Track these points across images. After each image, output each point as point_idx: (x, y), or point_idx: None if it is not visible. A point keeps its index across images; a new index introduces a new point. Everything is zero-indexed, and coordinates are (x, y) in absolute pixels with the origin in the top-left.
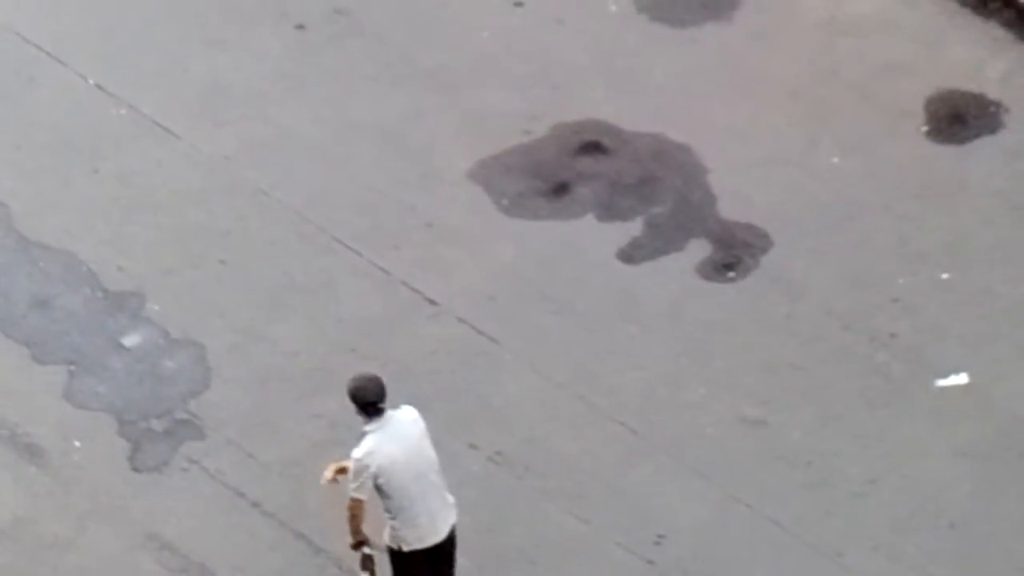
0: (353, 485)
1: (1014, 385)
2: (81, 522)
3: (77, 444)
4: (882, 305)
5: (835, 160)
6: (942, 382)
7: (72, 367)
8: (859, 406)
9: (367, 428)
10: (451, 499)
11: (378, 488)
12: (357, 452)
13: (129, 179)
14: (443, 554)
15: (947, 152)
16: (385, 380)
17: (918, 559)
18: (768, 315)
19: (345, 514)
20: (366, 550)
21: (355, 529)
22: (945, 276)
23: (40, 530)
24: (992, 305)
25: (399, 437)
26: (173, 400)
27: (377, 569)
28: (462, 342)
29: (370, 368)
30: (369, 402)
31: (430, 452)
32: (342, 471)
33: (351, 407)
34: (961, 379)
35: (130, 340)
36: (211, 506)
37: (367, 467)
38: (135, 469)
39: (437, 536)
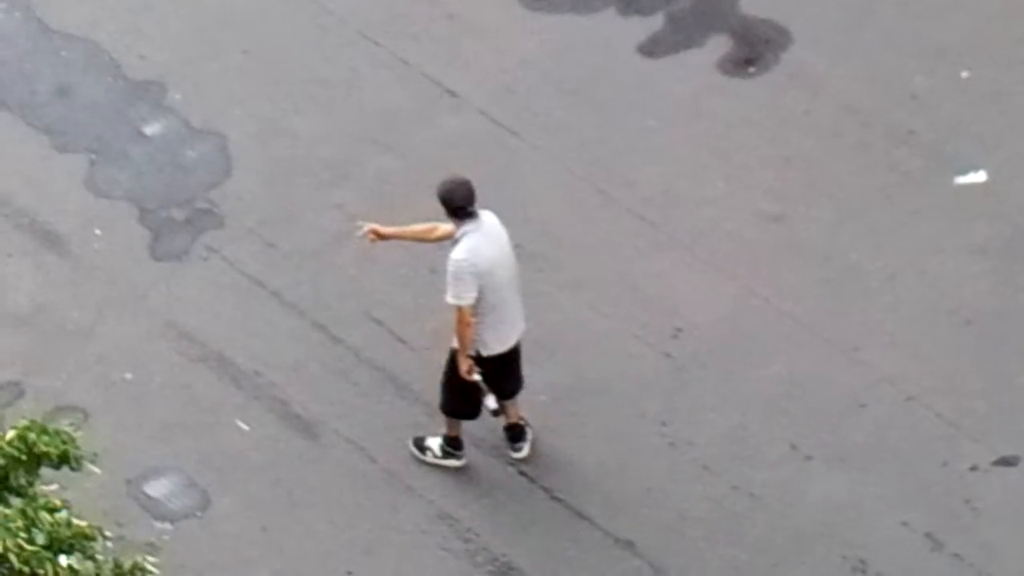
0: (454, 292)
1: None
2: (100, 310)
3: (97, 232)
4: (901, 102)
5: None
6: (960, 179)
7: (93, 156)
8: (877, 202)
9: (464, 229)
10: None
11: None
12: (457, 253)
13: None
14: (514, 353)
15: None
16: (404, 170)
17: (934, 355)
18: (787, 111)
19: (452, 327)
20: (476, 376)
21: (468, 340)
22: (965, 74)
23: (60, 317)
24: (1011, 103)
25: (493, 238)
26: (194, 189)
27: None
28: (482, 134)
29: (390, 159)
30: (459, 206)
31: (513, 255)
32: (381, 236)
33: (371, 198)
34: (979, 176)
35: (151, 129)
36: (230, 295)
37: (474, 265)
38: (155, 258)
39: (514, 340)
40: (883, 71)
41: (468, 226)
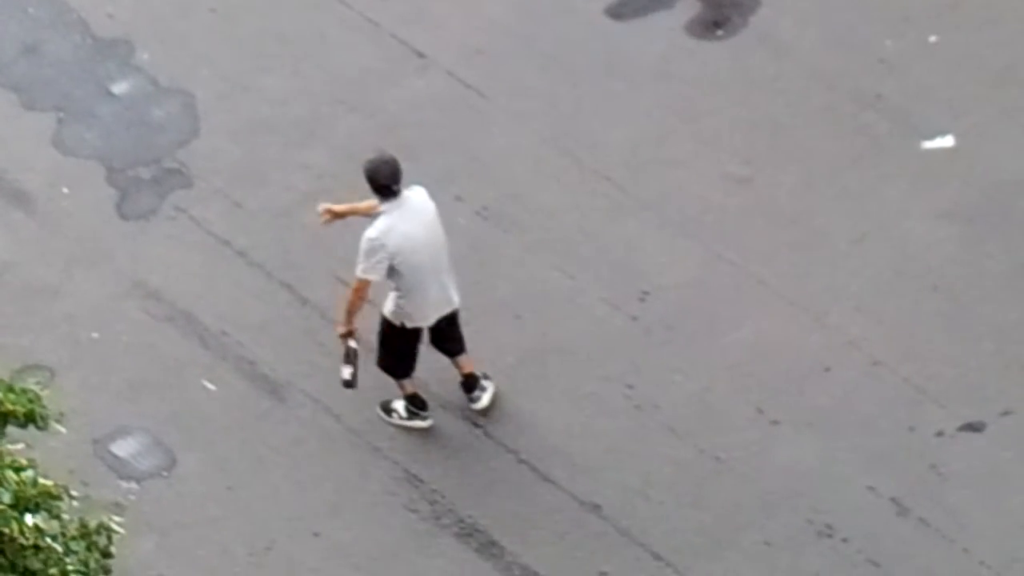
0: (363, 266)
1: (999, 148)
2: (68, 268)
3: (65, 191)
4: (869, 66)
5: None
6: (927, 144)
7: (61, 114)
8: (844, 166)
9: (381, 208)
10: (455, 279)
11: (391, 268)
12: (371, 232)
13: None
14: (450, 321)
15: None
16: (372, 131)
17: (901, 319)
18: (755, 74)
19: (346, 297)
20: (352, 343)
21: (351, 314)
22: (933, 39)
23: (27, 275)
24: (979, 68)
25: (414, 216)
26: (161, 148)
27: (360, 363)
28: (450, 95)
29: (358, 119)
30: (383, 184)
31: (441, 232)
32: (337, 214)
33: (339, 158)
34: (947, 141)
35: (119, 88)
36: (198, 255)
37: (383, 246)
38: (122, 217)
39: (441, 313)
40: (851, 35)
41: (387, 205)
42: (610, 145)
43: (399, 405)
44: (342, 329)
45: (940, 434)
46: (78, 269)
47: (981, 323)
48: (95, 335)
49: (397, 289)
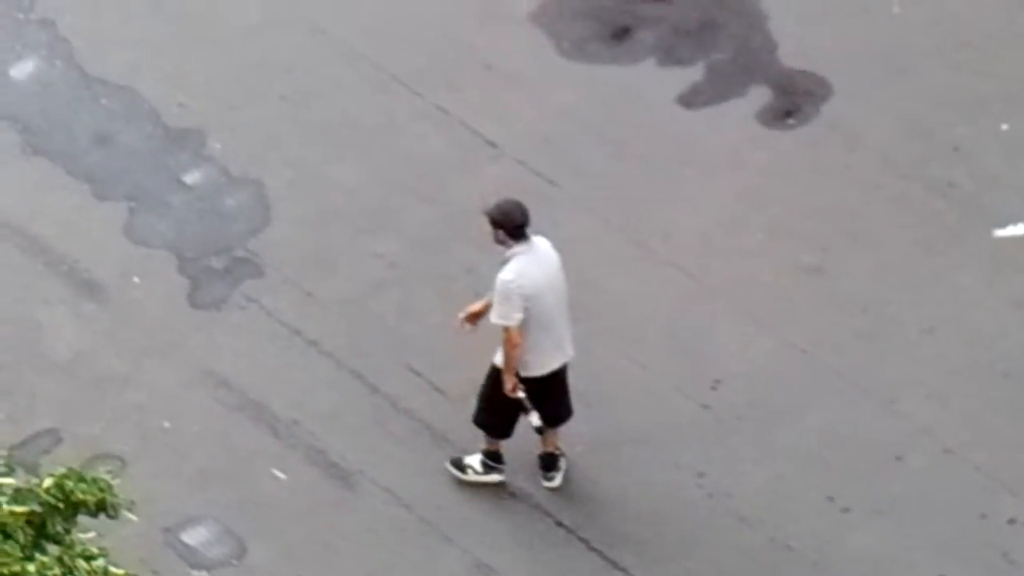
0: (501, 311)
1: None
2: (138, 358)
3: (136, 280)
4: (940, 154)
5: (896, 10)
6: (999, 232)
7: (133, 204)
8: (916, 254)
9: (514, 251)
10: (571, 333)
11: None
12: (506, 274)
13: (189, 15)
14: (560, 378)
15: (1010, 2)
16: (442, 219)
17: (972, 407)
18: (826, 163)
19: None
20: (520, 393)
21: (512, 364)
22: (1005, 127)
23: (98, 366)
24: None
25: (543, 261)
26: (232, 238)
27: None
28: (520, 184)
29: (428, 208)
30: (517, 225)
31: (564, 281)
32: (476, 315)
33: (410, 246)
34: (1019, 229)
35: (191, 177)
36: (268, 344)
37: (521, 287)
38: (193, 306)
39: (558, 364)
40: (923, 123)
41: (519, 247)
42: (681, 233)
43: (474, 460)
44: (510, 384)
45: (1012, 521)
46: (149, 358)
47: None
48: (166, 424)
49: (521, 335)
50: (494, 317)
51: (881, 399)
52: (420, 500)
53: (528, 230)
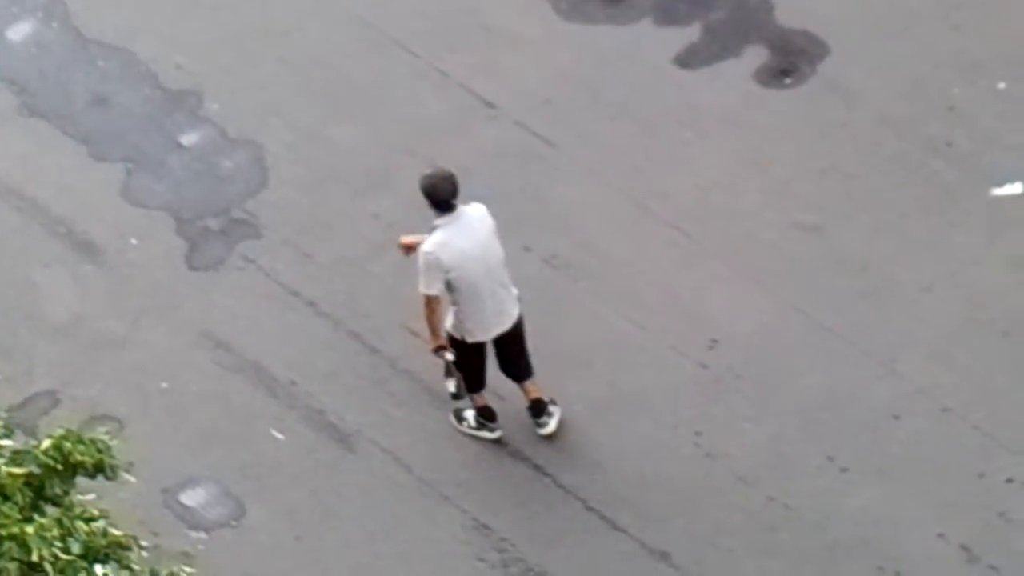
0: (422, 280)
1: None
2: (136, 320)
3: (134, 242)
4: (938, 114)
5: None
6: (997, 191)
7: (130, 165)
8: (914, 214)
9: (437, 222)
10: (515, 291)
11: (447, 283)
12: (426, 246)
13: None
14: (511, 340)
15: None
16: None
17: (971, 366)
18: (824, 122)
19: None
20: (448, 356)
21: (433, 328)
22: (1002, 86)
23: (96, 327)
24: None
25: (469, 231)
26: (230, 199)
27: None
28: (519, 145)
29: (426, 168)
30: (442, 199)
31: (498, 248)
32: (410, 247)
33: (408, 208)
34: (1016, 188)
35: (188, 139)
36: (266, 305)
37: (438, 259)
38: (191, 267)
39: (502, 328)
40: (920, 83)
41: (442, 219)
42: (679, 193)
43: (470, 414)
44: (432, 344)
45: (1010, 480)
46: (147, 320)
47: None
48: (164, 385)
49: (455, 303)
50: (420, 286)
51: (879, 358)
52: (419, 460)
53: (456, 201)
